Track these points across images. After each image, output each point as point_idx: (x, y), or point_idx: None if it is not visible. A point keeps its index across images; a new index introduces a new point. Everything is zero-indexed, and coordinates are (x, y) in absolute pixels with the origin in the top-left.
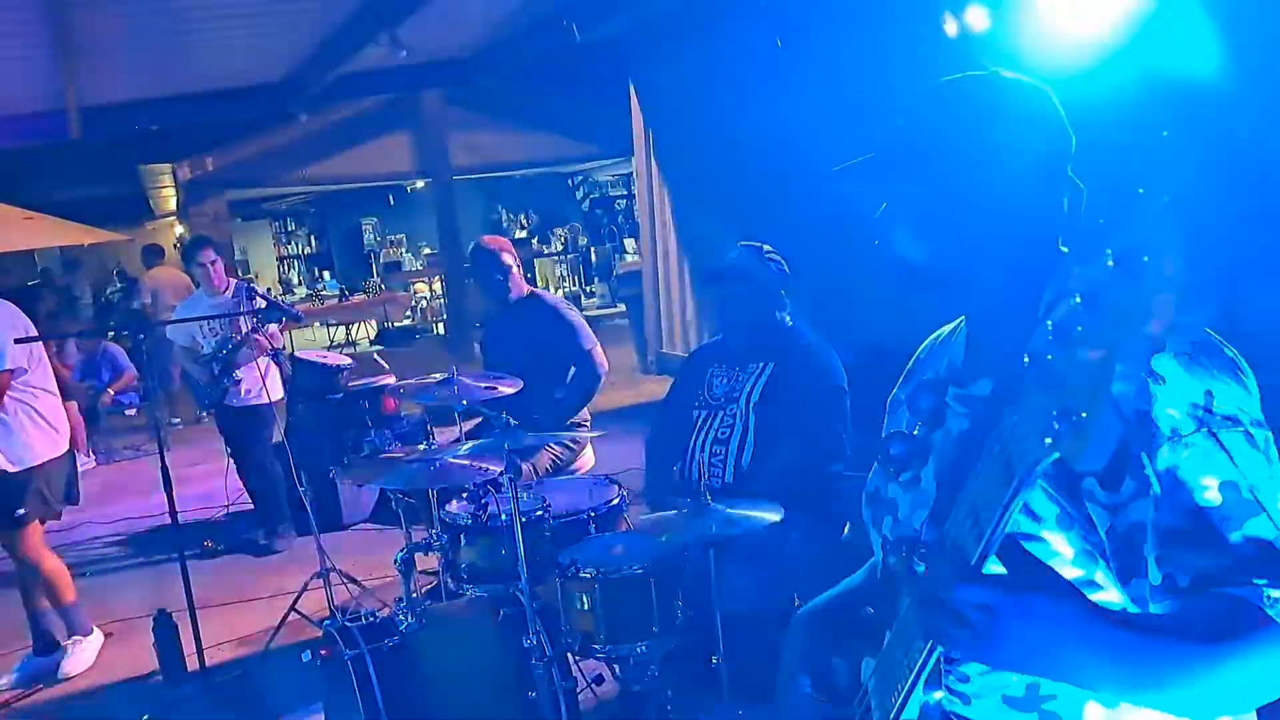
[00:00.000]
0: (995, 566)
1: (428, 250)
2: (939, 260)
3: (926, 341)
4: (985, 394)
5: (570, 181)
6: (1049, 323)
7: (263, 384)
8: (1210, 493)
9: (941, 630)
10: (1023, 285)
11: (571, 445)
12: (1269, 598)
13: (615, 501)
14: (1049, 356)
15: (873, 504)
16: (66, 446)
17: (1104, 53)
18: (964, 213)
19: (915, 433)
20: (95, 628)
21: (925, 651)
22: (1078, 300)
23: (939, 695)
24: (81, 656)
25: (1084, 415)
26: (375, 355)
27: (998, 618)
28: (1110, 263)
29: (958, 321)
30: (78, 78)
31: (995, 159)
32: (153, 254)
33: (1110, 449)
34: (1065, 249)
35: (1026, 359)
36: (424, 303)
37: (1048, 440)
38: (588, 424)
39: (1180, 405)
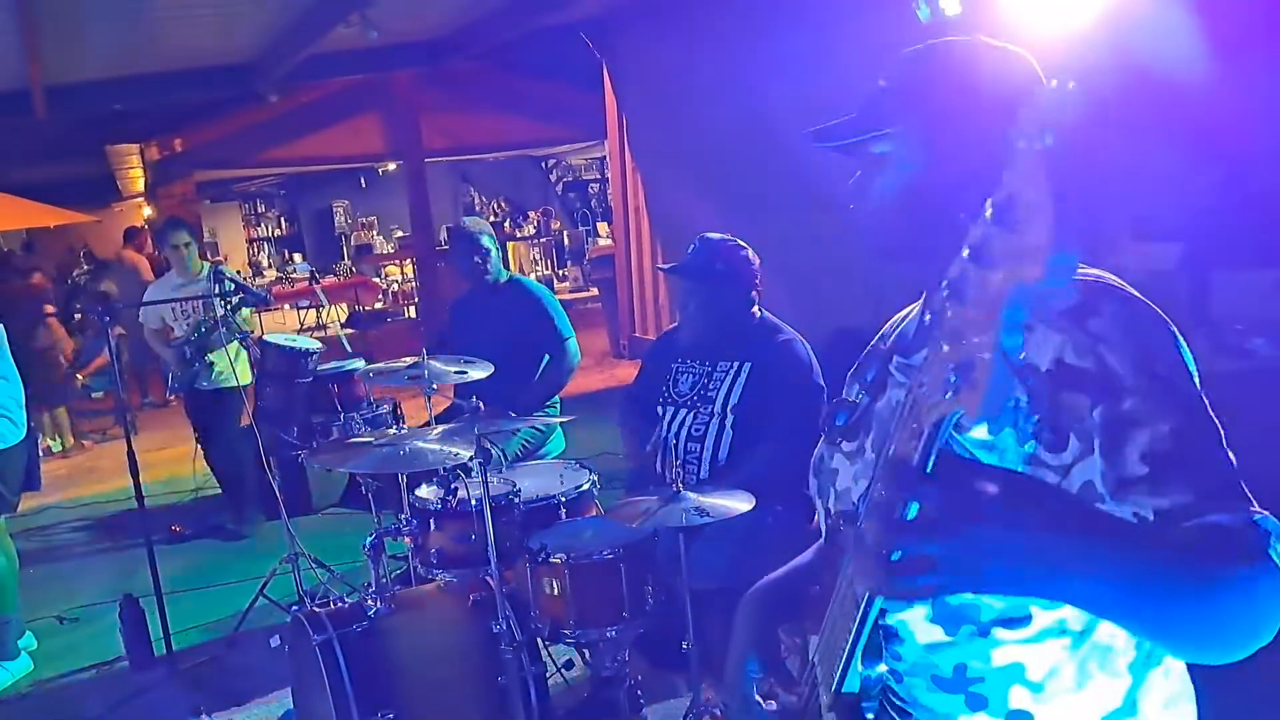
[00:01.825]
0: None
1: (399, 233)
2: (910, 228)
3: (893, 319)
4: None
5: (543, 165)
6: (944, 282)
7: (233, 367)
8: (1162, 439)
9: (887, 574)
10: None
11: (541, 429)
12: (1253, 523)
13: (586, 486)
14: (948, 314)
15: (817, 474)
16: (23, 435)
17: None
18: (932, 170)
19: (857, 401)
20: (25, 654)
21: (860, 617)
22: (966, 253)
23: (882, 669)
24: None
25: (976, 369)
26: (343, 339)
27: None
28: (988, 214)
29: (919, 302)
30: (43, 56)
31: (974, 122)
32: (133, 235)
33: (1003, 401)
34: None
35: (927, 318)
36: (395, 286)
37: (948, 395)
38: (558, 406)
39: (1122, 359)
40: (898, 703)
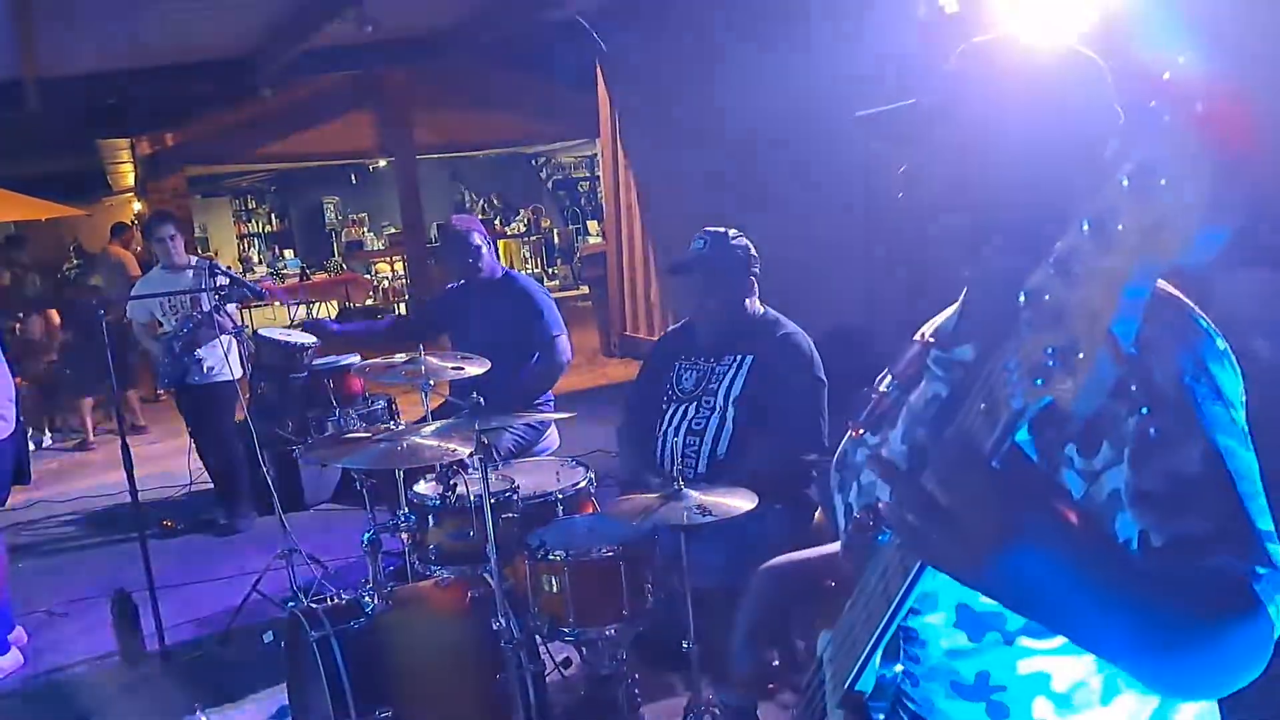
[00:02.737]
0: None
1: (390, 230)
2: (955, 216)
3: (930, 323)
4: (966, 359)
5: (533, 162)
6: (1050, 260)
7: (225, 361)
8: (1190, 460)
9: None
10: (1030, 253)
11: (536, 426)
12: (1256, 574)
13: (583, 484)
14: (1046, 296)
15: (840, 468)
16: (12, 428)
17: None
18: (993, 173)
19: (888, 393)
20: (15, 649)
21: (885, 621)
22: (1086, 228)
23: (899, 669)
24: None
25: (1079, 355)
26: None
27: (998, 518)
28: (1125, 182)
29: (957, 304)
30: (36, 48)
31: (1035, 118)
32: (120, 230)
33: (1103, 393)
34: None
35: (1023, 298)
36: (385, 282)
37: (1039, 382)
38: (552, 404)
39: (1167, 371)
40: (911, 707)
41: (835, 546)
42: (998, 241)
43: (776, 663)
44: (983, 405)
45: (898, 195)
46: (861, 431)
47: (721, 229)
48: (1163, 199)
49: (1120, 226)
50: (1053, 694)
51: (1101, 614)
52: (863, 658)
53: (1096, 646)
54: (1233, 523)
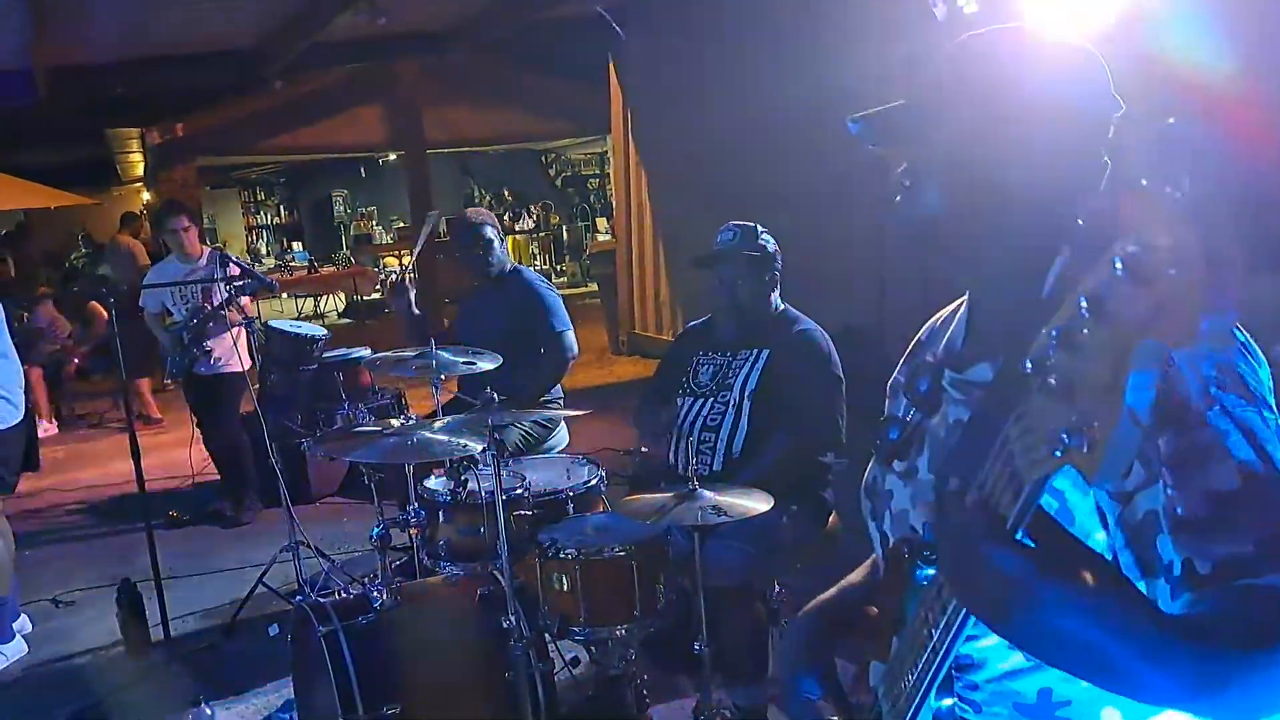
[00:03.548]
0: None
1: (399, 224)
2: (954, 222)
3: (927, 324)
4: (984, 380)
5: (543, 159)
6: (1052, 330)
7: (234, 352)
8: (1228, 476)
9: (967, 585)
10: (1032, 257)
11: (545, 424)
12: None
13: (593, 482)
14: (1053, 367)
15: (870, 495)
16: (22, 415)
17: (1098, 35)
18: (990, 170)
19: (909, 418)
20: (20, 637)
21: (940, 656)
22: (1083, 305)
23: (949, 702)
24: None
25: (1095, 428)
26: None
27: (1025, 595)
28: (1119, 267)
29: (958, 302)
30: (48, 37)
31: (1032, 114)
32: (130, 220)
33: (1127, 462)
34: (1081, 223)
35: (1030, 366)
36: (393, 277)
37: (1057, 453)
38: (561, 401)
39: (1191, 384)
40: None
41: (864, 571)
42: (996, 252)
43: (822, 699)
44: (1007, 472)
45: (895, 200)
46: (887, 458)
47: (750, 223)
48: (1158, 284)
49: (1119, 307)
50: (1121, 702)
51: (1151, 669)
52: (919, 696)
53: (1154, 698)
54: (1277, 539)
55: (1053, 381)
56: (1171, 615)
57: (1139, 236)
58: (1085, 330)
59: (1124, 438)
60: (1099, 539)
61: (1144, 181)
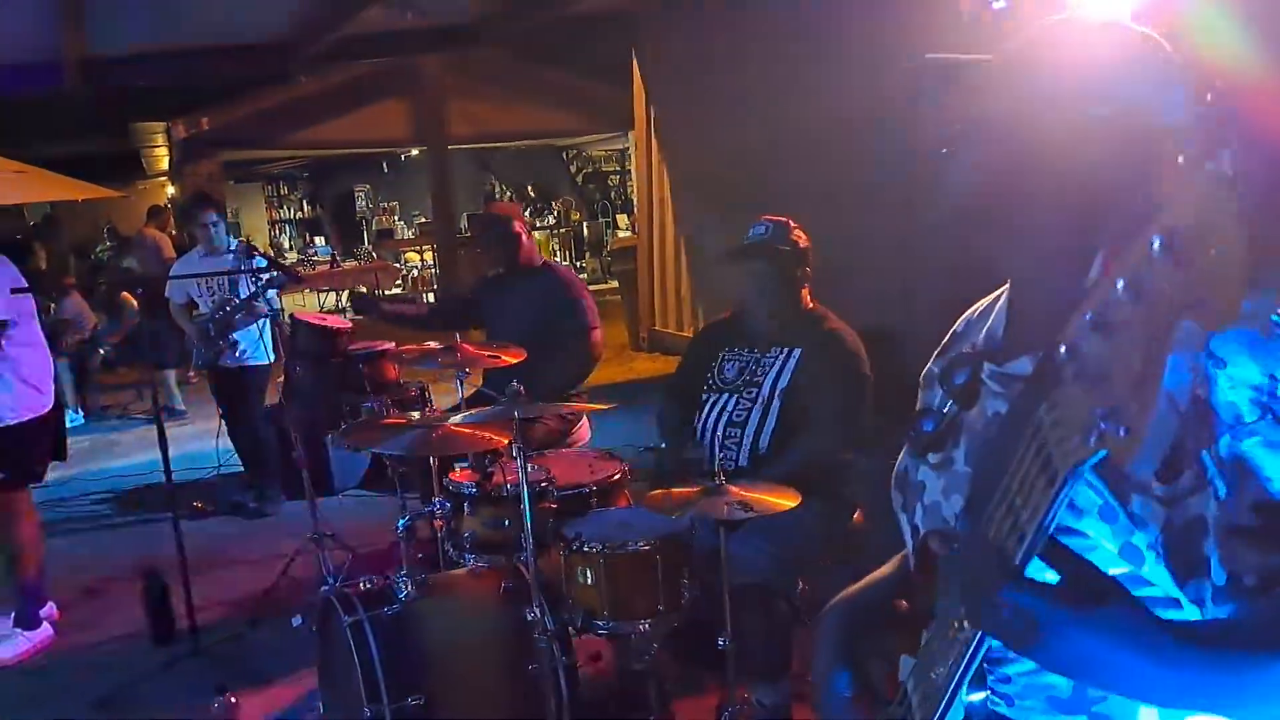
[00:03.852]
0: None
1: (421, 219)
2: (999, 209)
3: (965, 314)
4: (1025, 373)
5: (564, 155)
6: (1086, 314)
7: (259, 345)
8: (1277, 484)
9: (986, 622)
10: (1076, 248)
11: (567, 418)
12: None
13: (617, 476)
14: (1088, 352)
15: (901, 487)
16: (51, 404)
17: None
18: (1040, 156)
19: (946, 410)
20: (47, 624)
21: (970, 650)
22: (1120, 286)
23: (980, 696)
24: (13, 650)
25: (1132, 413)
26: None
27: (1042, 627)
28: (1156, 246)
29: (998, 292)
30: (78, 29)
31: (1091, 103)
32: (156, 213)
33: (1165, 448)
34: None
35: (1063, 350)
36: (415, 271)
37: (1092, 440)
38: (584, 396)
39: (1242, 390)
40: None
41: (894, 564)
42: (1037, 240)
43: (855, 696)
44: (1038, 461)
45: (941, 152)
46: (922, 450)
47: (782, 218)
48: (1197, 264)
49: (1157, 287)
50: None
51: (1167, 679)
52: (950, 690)
53: (1178, 704)
54: None
55: (1088, 367)
56: (1185, 623)
57: (1178, 214)
58: (1122, 312)
59: (1162, 423)
60: (1118, 569)
61: (1180, 159)
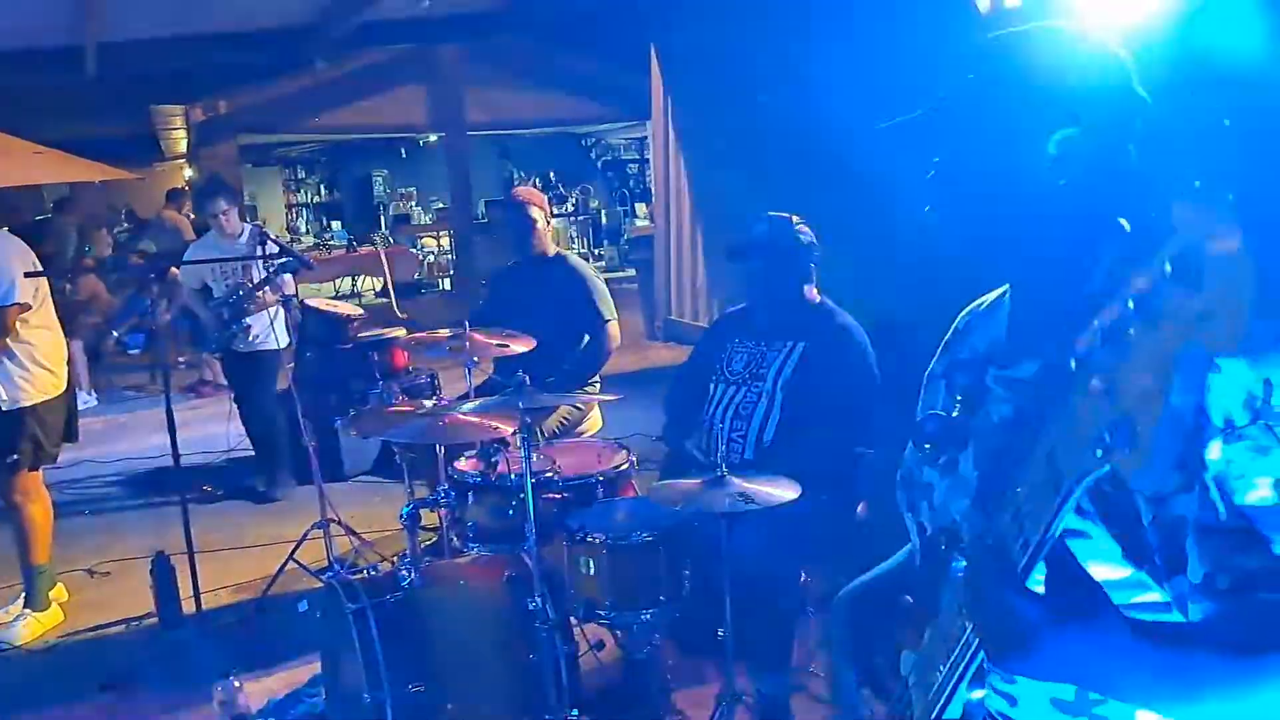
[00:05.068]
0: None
1: (438, 205)
2: (990, 224)
3: (964, 312)
4: (1029, 377)
5: (583, 143)
6: (1098, 329)
7: (271, 330)
8: (1261, 491)
9: (983, 625)
10: (1074, 257)
11: (579, 407)
12: None
13: (624, 466)
14: (1098, 365)
15: (907, 487)
16: (65, 386)
17: (1149, 32)
18: (1023, 171)
19: (953, 414)
20: (56, 605)
21: (971, 649)
22: (1131, 305)
23: (980, 694)
24: (22, 631)
25: (1139, 429)
26: (396, 308)
27: (1036, 634)
28: (1167, 268)
29: (999, 291)
30: (98, 12)
31: (1061, 115)
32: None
33: (1170, 463)
34: (1125, 223)
35: (1074, 364)
36: (431, 258)
37: (1099, 453)
38: (598, 385)
39: (1235, 396)
40: None
41: (900, 557)
42: (1034, 250)
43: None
44: (1045, 470)
45: (924, 210)
46: (928, 448)
47: (785, 214)
48: (1207, 288)
49: (1165, 311)
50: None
51: (1126, 678)
52: (950, 686)
53: (1137, 702)
54: None
55: (1097, 381)
56: (1147, 622)
57: (1190, 238)
58: (1132, 330)
59: (1167, 440)
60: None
61: (1197, 184)
